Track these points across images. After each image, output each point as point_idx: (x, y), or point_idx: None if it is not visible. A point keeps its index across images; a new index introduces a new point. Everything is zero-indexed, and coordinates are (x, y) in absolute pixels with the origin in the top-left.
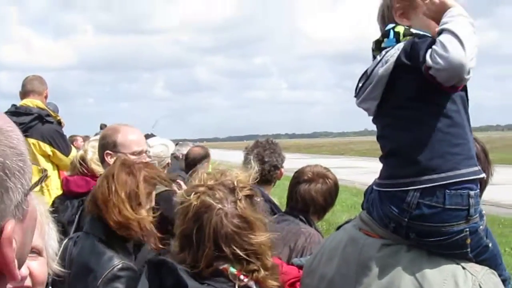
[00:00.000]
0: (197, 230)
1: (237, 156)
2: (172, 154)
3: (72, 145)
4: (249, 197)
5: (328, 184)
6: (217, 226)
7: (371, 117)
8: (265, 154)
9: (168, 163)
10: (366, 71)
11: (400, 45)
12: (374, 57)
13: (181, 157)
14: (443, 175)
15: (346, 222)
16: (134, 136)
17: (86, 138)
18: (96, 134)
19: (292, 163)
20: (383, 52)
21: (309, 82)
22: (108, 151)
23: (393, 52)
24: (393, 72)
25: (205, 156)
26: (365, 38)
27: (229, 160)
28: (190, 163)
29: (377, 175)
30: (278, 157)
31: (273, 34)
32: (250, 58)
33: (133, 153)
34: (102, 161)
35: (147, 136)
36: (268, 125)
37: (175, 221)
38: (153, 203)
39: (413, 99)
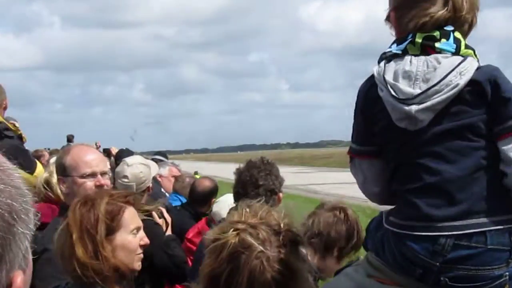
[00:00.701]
0: (230, 272)
1: (229, 171)
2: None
3: (38, 161)
4: (294, 243)
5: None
6: (256, 271)
7: (411, 130)
8: (259, 176)
9: (149, 187)
10: (424, 72)
11: (474, 63)
12: (420, 51)
13: (160, 179)
14: (494, 218)
15: (346, 266)
16: (85, 156)
17: (54, 153)
18: (63, 148)
19: (295, 177)
20: (444, 59)
21: (314, 82)
22: (59, 177)
23: (469, 67)
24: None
25: (214, 192)
26: (380, 29)
27: (220, 176)
28: (197, 198)
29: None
30: (276, 179)
31: (272, 26)
32: (244, 55)
33: (83, 176)
34: (55, 190)
35: (122, 152)
36: (267, 133)
37: (156, 256)
38: (127, 234)
39: (473, 130)
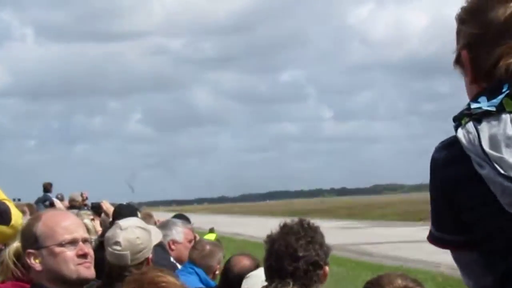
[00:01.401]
0: None
1: (255, 226)
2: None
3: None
4: None
5: None
6: None
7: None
8: (298, 246)
9: (148, 259)
10: None
11: None
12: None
13: (174, 246)
14: None
15: None
16: (62, 221)
17: (30, 208)
18: (38, 200)
19: (342, 235)
20: None
21: (366, 108)
22: (29, 251)
23: None
24: None
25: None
26: (451, 36)
27: (242, 233)
28: (232, 280)
29: None
30: (320, 249)
31: (310, 35)
32: (274, 73)
33: (61, 244)
34: (26, 266)
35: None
36: (304, 176)
37: None
38: None
39: None
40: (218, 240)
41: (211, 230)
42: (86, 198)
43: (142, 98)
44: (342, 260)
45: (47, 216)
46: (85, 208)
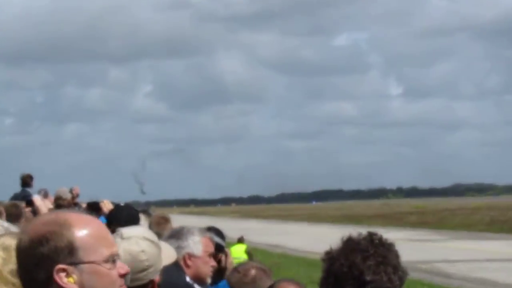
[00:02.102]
0: None
1: (298, 236)
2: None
3: None
4: None
5: None
6: None
7: None
8: (366, 267)
9: (153, 282)
10: None
11: None
12: None
13: (190, 261)
14: None
15: None
16: (103, 229)
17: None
18: (14, 197)
19: (413, 248)
20: None
21: (445, 83)
22: (60, 266)
23: None
24: None
25: None
26: None
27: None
28: None
29: None
30: (393, 273)
31: None
32: (325, 36)
33: (107, 260)
34: (45, 284)
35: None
36: (363, 172)
37: None
38: None
39: None
40: (249, 253)
41: (240, 240)
42: (77, 196)
43: (153, 66)
44: (411, 283)
45: (81, 221)
46: (76, 208)
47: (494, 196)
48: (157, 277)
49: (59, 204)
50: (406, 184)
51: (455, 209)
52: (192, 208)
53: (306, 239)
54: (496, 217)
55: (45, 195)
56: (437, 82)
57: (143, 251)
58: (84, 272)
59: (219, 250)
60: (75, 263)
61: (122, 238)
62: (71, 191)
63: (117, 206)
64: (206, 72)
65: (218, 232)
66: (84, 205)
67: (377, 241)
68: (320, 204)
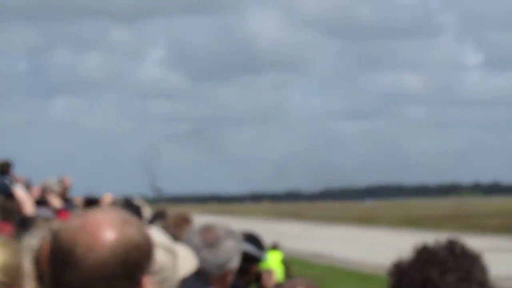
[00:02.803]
0: None
1: (348, 242)
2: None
3: None
4: None
5: None
6: None
7: None
8: (444, 283)
9: None
10: None
11: None
12: None
13: (229, 277)
14: None
15: None
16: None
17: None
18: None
19: (489, 259)
20: None
21: None
22: (148, 277)
23: None
24: None
25: None
26: None
27: (326, 253)
28: None
29: None
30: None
31: None
32: None
33: (153, 273)
34: None
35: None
36: (428, 163)
37: None
38: None
39: None
40: (286, 264)
41: (275, 247)
42: (68, 188)
43: (166, 25)
44: None
45: (141, 222)
46: (68, 203)
47: None
48: None
49: (47, 198)
50: (486, 178)
51: None
52: (213, 206)
53: (357, 246)
54: None
55: (27, 185)
56: None
57: (157, 261)
58: (149, 285)
59: (253, 262)
60: (149, 274)
61: None
62: (60, 182)
63: (116, 201)
64: (233, 33)
65: (252, 238)
66: (79, 201)
67: (459, 251)
68: (375, 202)
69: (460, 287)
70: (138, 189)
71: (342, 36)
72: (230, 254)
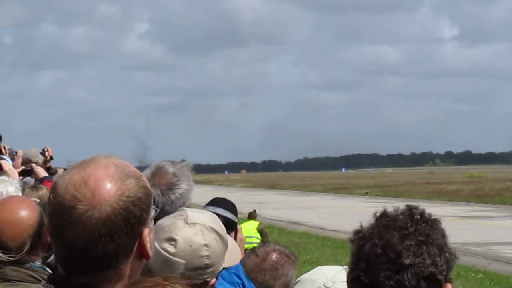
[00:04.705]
0: None
1: (322, 211)
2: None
3: None
4: None
5: None
6: None
7: None
8: (403, 248)
9: (207, 284)
10: None
11: None
12: None
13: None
14: None
15: None
16: None
17: None
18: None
19: (460, 227)
20: None
21: (510, 26)
22: (148, 229)
23: None
24: None
25: None
26: None
27: (303, 221)
28: None
29: None
30: (439, 255)
31: None
32: None
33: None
34: (126, 252)
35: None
36: (403, 133)
37: None
38: None
39: None
40: (262, 231)
41: (252, 216)
42: (51, 159)
43: None
44: (463, 269)
45: (138, 171)
46: (50, 173)
47: None
48: (213, 280)
49: (28, 169)
50: (458, 148)
51: None
52: (193, 176)
53: (333, 215)
54: None
55: (11, 155)
56: (501, 22)
57: (206, 245)
58: (151, 232)
59: (229, 227)
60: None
61: (186, 222)
62: (43, 152)
63: None
64: (215, 7)
65: (228, 205)
66: (61, 172)
67: (418, 216)
68: (351, 172)
69: (419, 250)
70: (121, 158)
71: (322, 10)
72: (186, 196)
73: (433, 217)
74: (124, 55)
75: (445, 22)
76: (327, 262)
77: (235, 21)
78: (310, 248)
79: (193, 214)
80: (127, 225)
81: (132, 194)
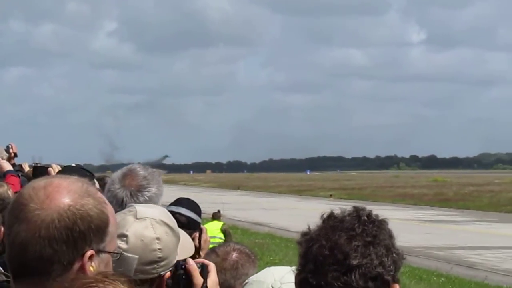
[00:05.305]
0: None
1: (292, 212)
2: None
3: None
4: None
5: None
6: None
7: None
8: (351, 249)
9: (161, 278)
10: None
11: None
12: None
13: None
14: None
15: None
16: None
17: None
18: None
19: (422, 231)
20: None
21: (477, 31)
22: (92, 250)
23: None
24: None
25: None
26: None
27: (267, 222)
28: None
29: None
30: (386, 255)
31: None
32: None
33: (114, 255)
34: (64, 267)
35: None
36: (369, 137)
37: None
38: None
39: None
40: (226, 232)
41: (216, 216)
42: (15, 155)
43: None
44: (425, 273)
45: (105, 200)
46: (18, 172)
47: None
48: (168, 274)
49: None
50: (423, 152)
51: (483, 184)
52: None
53: (297, 216)
54: None
55: None
56: (469, 28)
57: (158, 238)
58: (102, 262)
59: (193, 228)
60: (101, 251)
61: (136, 217)
62: (7, 149)
63: (66, 168)
64: (183, 7)
65: (191, 205)
66: (27, 168)
67: (365, 217)
68: (315, 174)
69: (367, 251)
70: (87, 157)
71: (291, 12)
72: (154, 200)
73: (380, 218)
74: (92, 53)
75: (413, 27)
76: (290, 263)
77: (203, 21)
78: (274, 249)
79: (142, 208)
80: (68, 235)
81: (83, 209)
